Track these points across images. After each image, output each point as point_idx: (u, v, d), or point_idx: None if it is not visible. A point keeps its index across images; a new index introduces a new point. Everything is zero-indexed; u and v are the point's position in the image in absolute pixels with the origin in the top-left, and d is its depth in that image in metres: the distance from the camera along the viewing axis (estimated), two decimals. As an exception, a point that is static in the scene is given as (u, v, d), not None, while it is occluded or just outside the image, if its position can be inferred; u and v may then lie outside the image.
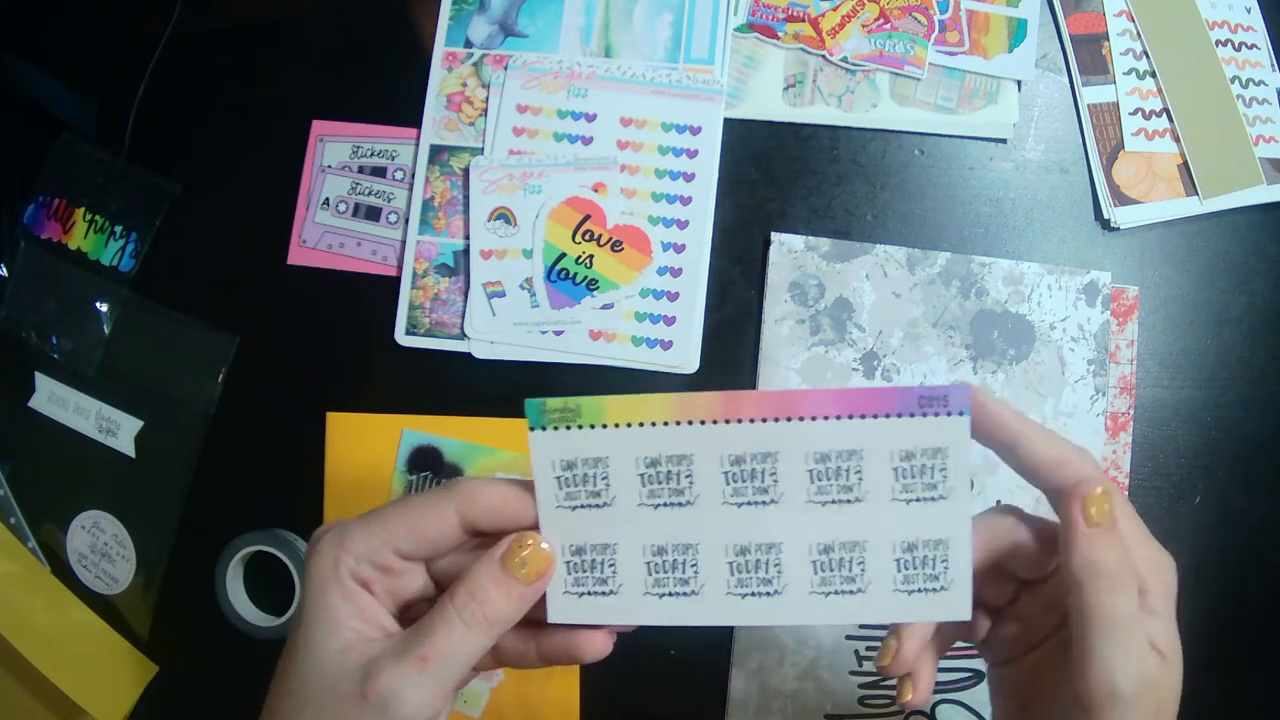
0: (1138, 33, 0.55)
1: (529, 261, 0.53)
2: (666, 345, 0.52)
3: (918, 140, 0.54)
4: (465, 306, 0.53)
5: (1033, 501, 0.51)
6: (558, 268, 0.53)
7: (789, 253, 0.53)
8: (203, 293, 0.55)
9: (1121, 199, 0.53)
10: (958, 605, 0.32)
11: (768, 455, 0.31)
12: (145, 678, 0.55)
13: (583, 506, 0.32)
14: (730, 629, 0.51)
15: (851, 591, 0.32)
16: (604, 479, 0.32)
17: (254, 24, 0.57)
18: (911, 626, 0.33)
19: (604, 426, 0.31)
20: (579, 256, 0.53)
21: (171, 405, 0.55)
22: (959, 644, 0.51)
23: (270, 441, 0.54)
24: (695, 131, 0.53)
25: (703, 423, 0.31)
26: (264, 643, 0.52)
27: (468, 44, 0.55)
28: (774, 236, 0.53)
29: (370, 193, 0.55)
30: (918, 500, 0.31)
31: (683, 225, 0.53)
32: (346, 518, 0.33)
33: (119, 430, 0.56)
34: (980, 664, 0.51)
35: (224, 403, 0.55)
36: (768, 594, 0.33)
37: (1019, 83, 0.54)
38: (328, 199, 0.55)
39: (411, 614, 0.33)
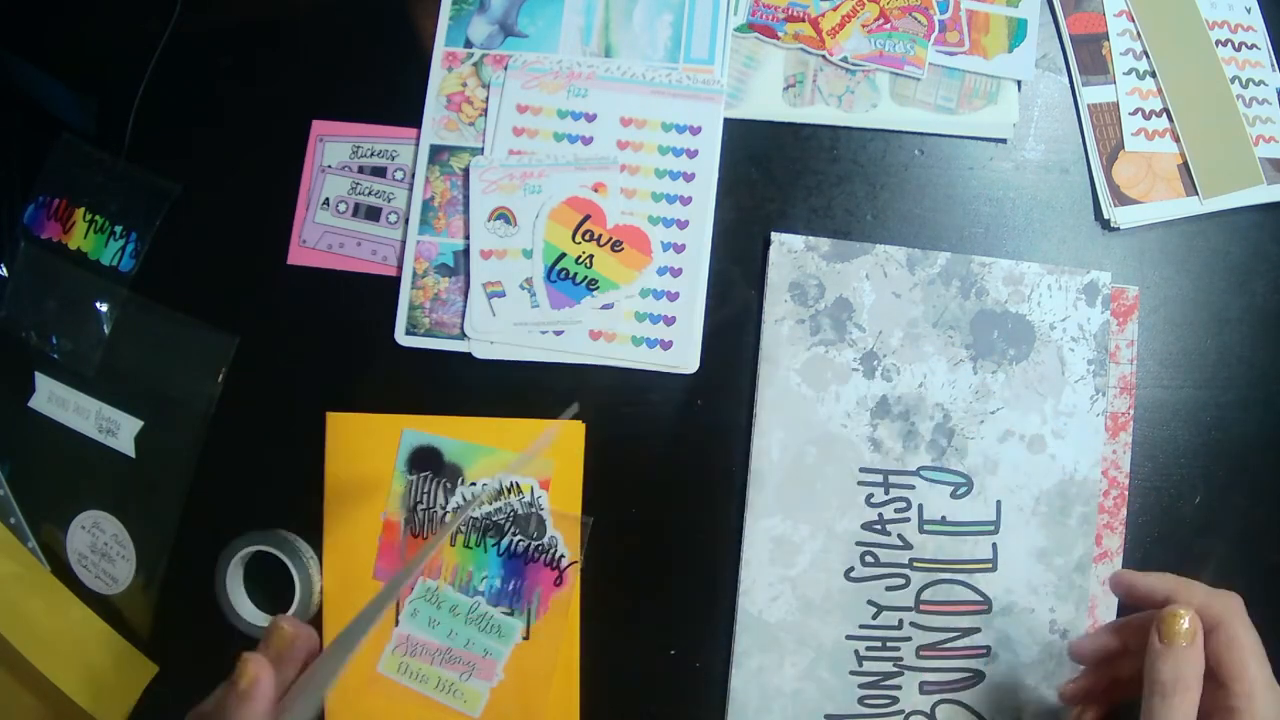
0: (1138, 33, 0.55)
1: (529, 261, 0.53)
2: (666, 345, 0.52)
3: (918, 140, 0.54)
4: (465, 306, 0.53)
5: (1032, 501, 0.51)
6: (558, 268, 0.53)
7: (789, 253, 0.52)
8: (203, 293, 0.55)
9: (1121, 199, 0.53)
10: None
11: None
12: (145, 678, 0.55)
13: None
14: (731, 633, 0.51)
15: None
16: None
17: (254, 24, 0.57)
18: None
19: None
20: (579, 256, 0.53)
21: (171, 405, 0.55)
22: (961, 644, 0.51)
23: (270, 441, 0.54)
24: (695, 131, 0.53)
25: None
26: (264, 643, 0.52)
27: (468, 44, 0.55)
28: (774, 236, 0.53)
29: (370, 193, 0.55)
30: None
31: (683, 225, 0.53)
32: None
33: (119, 430, 0.56)
34: (980, 664, 0.51)
35: (224, 403, 0.55)
36: None
37: (1019, 83, 0.54)
38: (328, 199, 0.55)
39: None
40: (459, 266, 0.54)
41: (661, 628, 0.53)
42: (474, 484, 0.53)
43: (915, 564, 0.51)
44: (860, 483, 0.52)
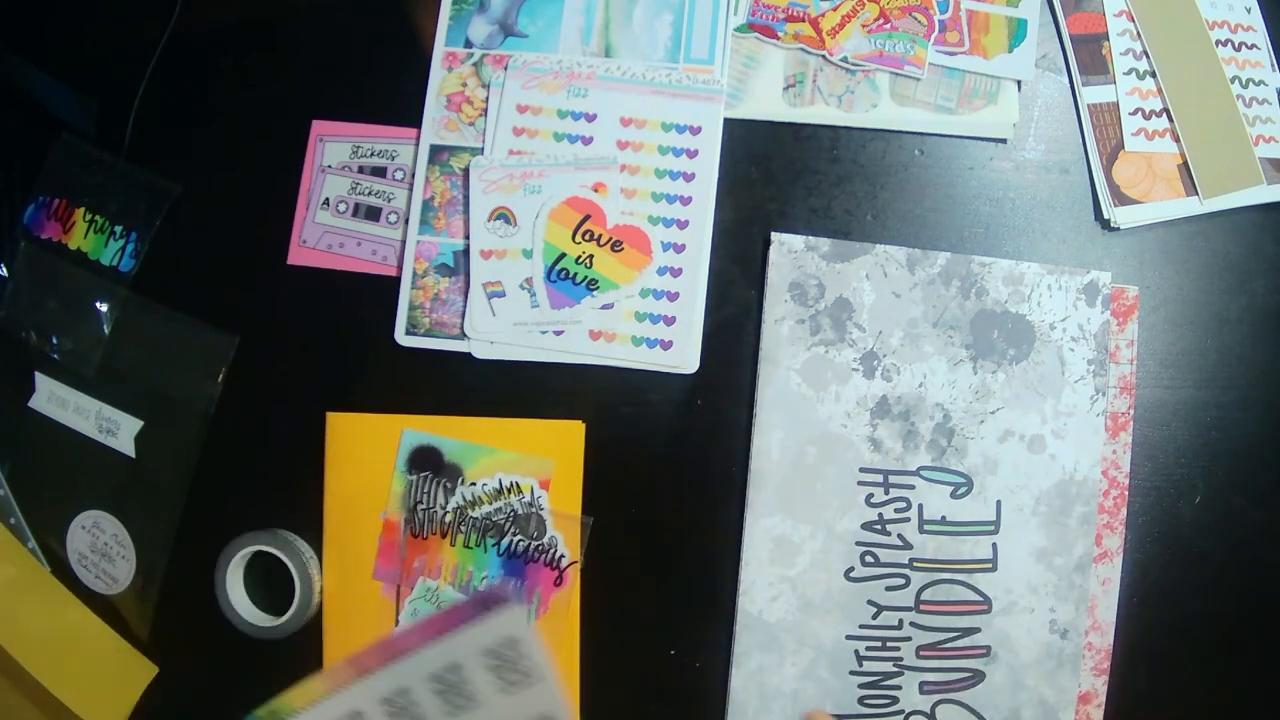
0: (1138, 33, 0.55)
1: (529, 261, 0.53)
2: (666, 345, 0.52)
3: (918, 140, 0.54)
4: (465, 306, 0.53)
5: (1032, 501, 0.51)
6: (558, 268, 0.53)
7: (789, 253, 0.52)
8: (203, 293, 0.55)
9: (1121, 199, 0.53)
10: None
11: (402, 690, 0.36)
12: (145, 678, 0.55)
13: None
14: (731, 633, 0.51)
15: None
16: None
17: (254, 24, 0.57)
18: None
19: (297, 712, 0.36)
20: (579, 256, 0.53)
21: (171, 405, 0.55)
22: (961, 644, 0.51)
23: (270, 441, 0.54)
24: (695, 131, 0.53)
25: (354, 681, 0.35)
26: (264, 643, 0.52)
27: (468, 44, 0.55)
28: (774, 236, 0.53)
29: (370, 193, 0.55)
30: (515, 686, 0.35)
31: (683, 225, 0.53)
32: None
33: (119, 430, 0.56)
34: (980, 664, 0.51)
35: (224, 403, 0.55)
36: None
37: (1019, 83, 0.54)
38: (328, 199, 0.55)
39: None
40: (459, 266, 0.53)
41: (661, 628, 0.53)
42: (474, 483, 0.53)
43: (915, 564, 0.51)
44: (860, 483, 0.52)
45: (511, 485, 0.53)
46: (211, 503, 0.55)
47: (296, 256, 0.55)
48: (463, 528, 0.53)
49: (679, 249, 0.53)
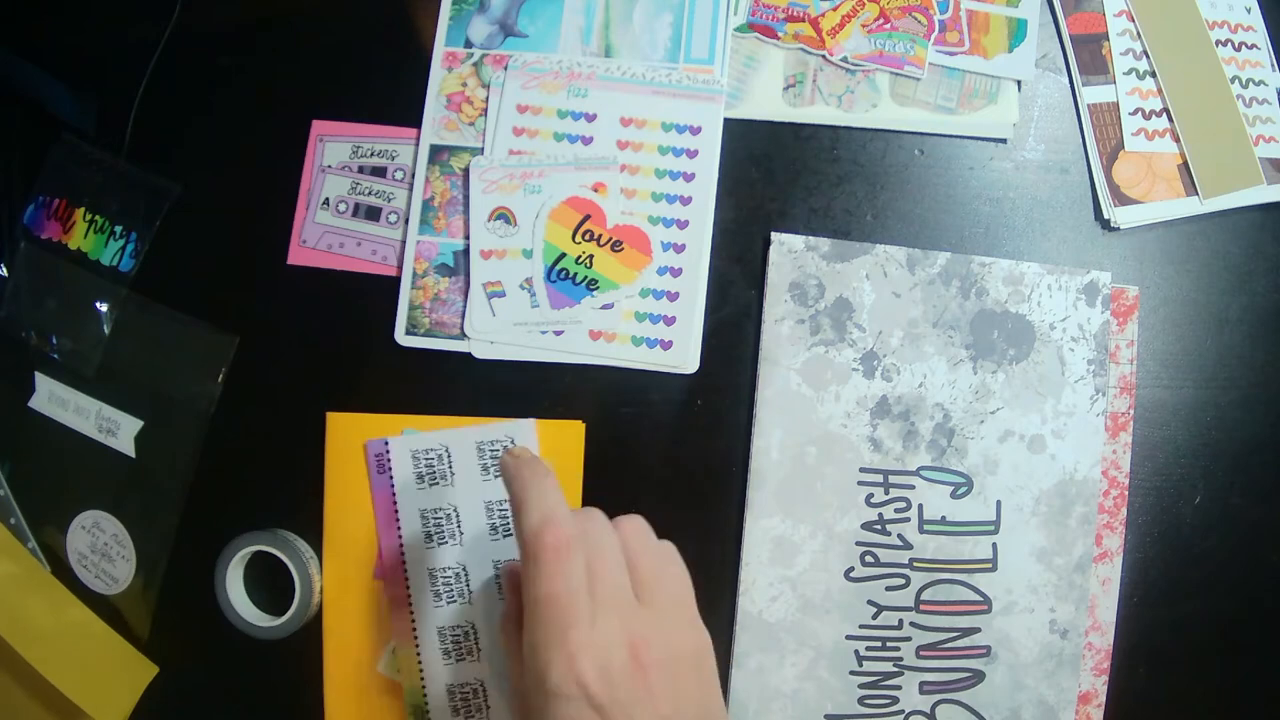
0: (1138, 33, 0.55)
1: (529, 261, 0.53)
2: (666, 345, 0.52)
3: (918, 140, 0.54)
4: (465, 306, 0.53)
5: (1032, 501, 0.51)
6: (558, 268, 0.53)
7: (789, 252, 0.52)
8: (203, 293, 0.55)
9: (1121, 199, 0.53)
10: None
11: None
12: (145, 678, 0.55)
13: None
14: (731, 633, 0.51)
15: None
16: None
17: (254, 24, 0.57)
18: None
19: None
20: (579, 256, 0.53)
21: (171, 405, 0.55)
22: (961, 644, 0.51)
23: (270, 441, 0.54)
24: (695, 131, 0.53)
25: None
26: (264, 643, 0.52)
27: (468, 44, 0.55)
28: (774, 236, 0.53)
29: (370, 193, 0.55)
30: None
31: (683, 225, 0.53)
32: None
33: (119, 430, 0.56)
34: (980, 664, 0.51)
35: (224, 403, 0.55)
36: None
37: (1019, 83, 0.54)
38: (328, 199, 0.55)
39: None
40: (459, 266, 0.54)
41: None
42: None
43: (915, 564, 0.51)
44: (860, 483, 0.52)
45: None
46: (211, 503, 0.55)
47: (296, 256, 0.55)
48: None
49: (679, 249, 0.53)
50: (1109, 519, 0.52)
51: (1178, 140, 0.54)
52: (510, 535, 0.52)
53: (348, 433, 0.53)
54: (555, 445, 0.52)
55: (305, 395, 0.54)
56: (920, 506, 0.52)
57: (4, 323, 0.58)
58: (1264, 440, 0.53)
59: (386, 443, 0.52)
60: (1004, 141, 0.54)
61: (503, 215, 0.53)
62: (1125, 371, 0.52)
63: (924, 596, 0.51)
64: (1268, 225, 0.54)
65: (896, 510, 0.51)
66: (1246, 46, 0.55)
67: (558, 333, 0.53)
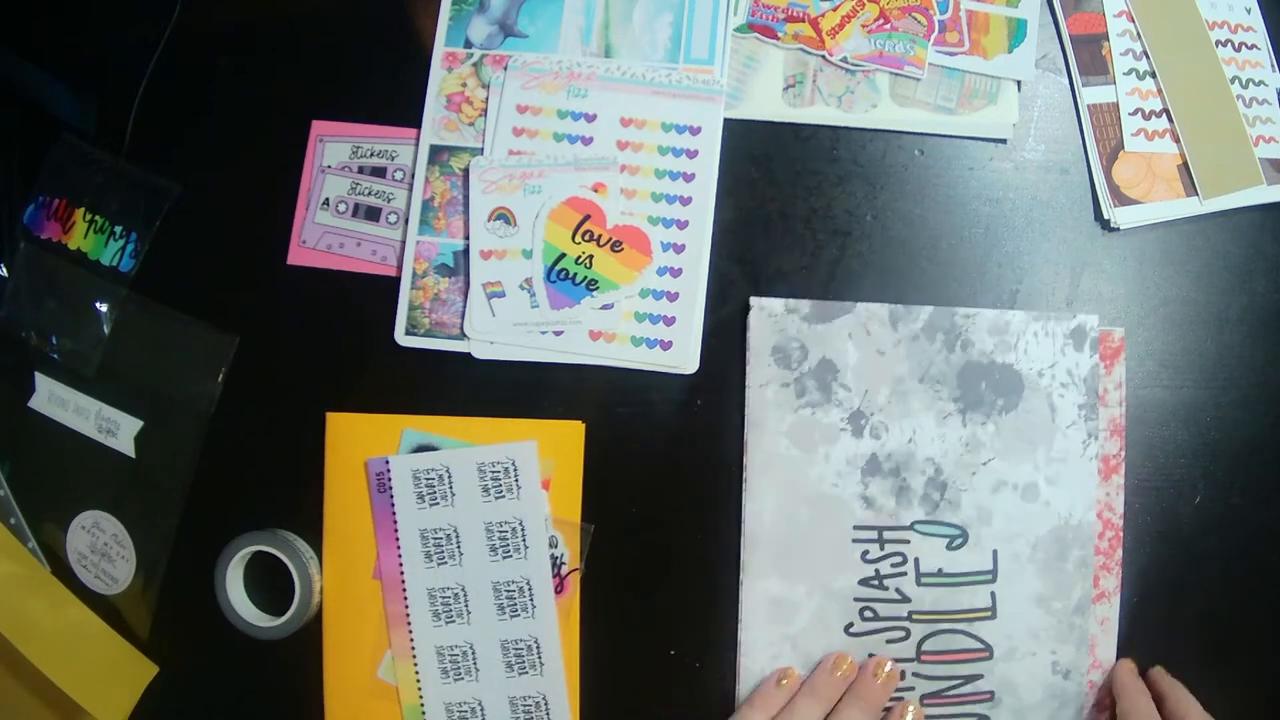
0: (1138, 33, 0.55)
1: (529, 261, 0.53)
2: (666, 345, 0.52)
3: (918, 140, 0.54)
4: (465, 306, 0.53)
5: (1028, 549, 0.51)
6: (557, 268, 0.53)
7: (769, 317, 0.52)
8: (203, 293, 0.55)
9: (1121, 199, 0.53)
10: None
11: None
12: (145, 678, 0.55)
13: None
14: (735, 635, 0.51)
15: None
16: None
17: (254, 24, 0.57)
18: None
19: None
20: (579, 256, 0.53)
21: (171, 405, 0.55)
22: (964, 690, 0.50)
23: (270, 441, 0.54)
24: (695, 131, 0.53)
25: None
26: (264, 643, 0.52)
27: (468, 44, 0.55)
28: (753, 301, 0.52)
29: (370, 193, 0.55)
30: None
31: (683, 225, 0.53)
32: None
33: (119, 430, 0.56)
34: (985, 709, 0.51)
35: (224, 403, 0.55)
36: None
37: (1019, 83, 0.54)
38: (328, 199, 0.55)
39: None
40: (459, 267, 0.54)
41: (661, 628, 0.53)
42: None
43: (915, 616, 0.51)
44: (855, 540, 0.51)
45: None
46: (211, 503, 0.55)
47: (296, 256, 0.55)
48: (463, 528, 0.53)
49: (679, 249, 0.53)
50: (1104, 560, 0.51)
51: (1178, 140, 0.54)
52: (509, 557, 0.52)
53: (348, 433, 0.53)
54: (555, 445, 0.52)
55: (305, 395, 0.54)
56: (916, 560, 0.51)
57: (4, 323, 0.58)
58: (1264, 440, 0.53)
59: (387, 461, 0.52)
60: (1004, 142, 0.54)
61: (502, 215, 0.53)
62: (1115, 414, 0.52)
63: (925, 647, 0.51)
64: (1268, 225, 0.54)
65: (893, 565, 0.51)
66: (1246, 46, 0.55)
67: (557, 333, 0.53)
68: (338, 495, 0.53)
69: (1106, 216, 0.53)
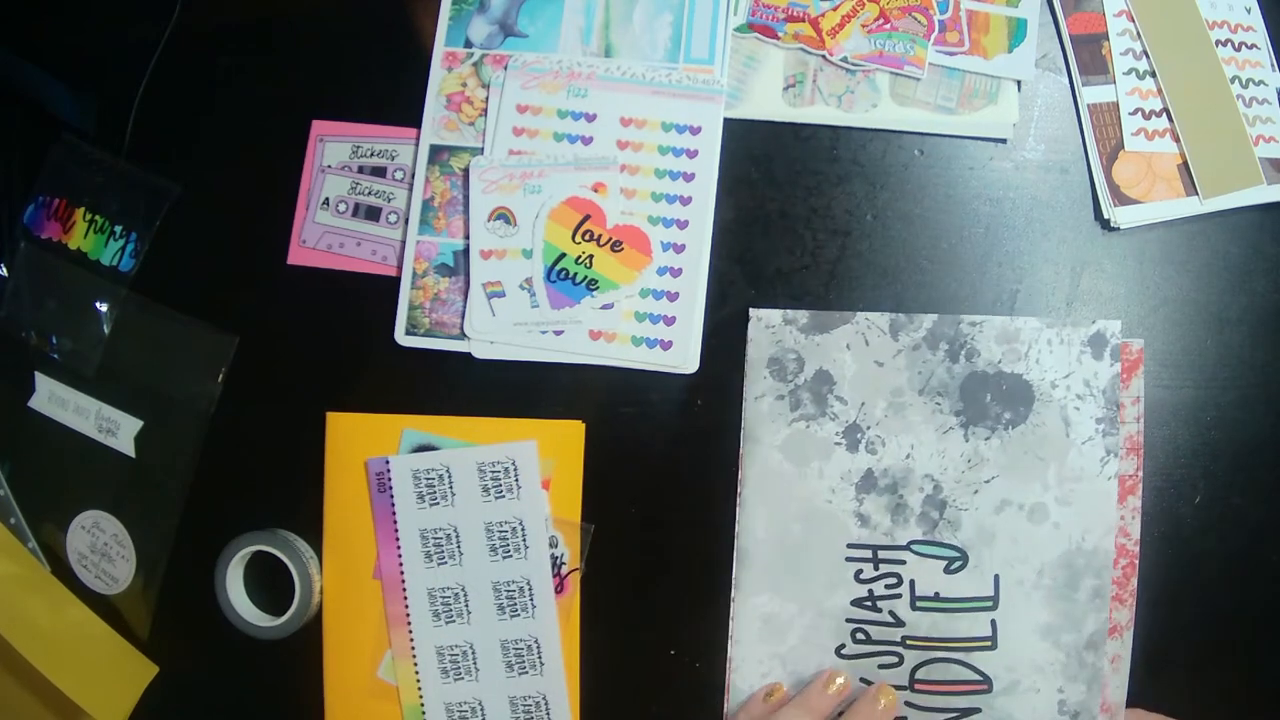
0: (1138, 33, 0.55)
1: (529, 261, 0.53)
2: (666, 345, 0.52)
3: (918, 140, 0.54)
4: (465, 306, 0.53)
5: (1034, 575, 0.50)
6: (557, 268, 0.53)
7: (766, 328, 0.51)
8: (203, 293, 0.55)
9: (1121, 199, 0.53)
10: None
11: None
12: (145, 678, 0.55)
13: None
14: (728, 637, 0.51)
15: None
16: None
17: (254, 24, 0.57)
18: None
19: None
20: (579, 256, 0.53)
21: (171, 405, 0.55)
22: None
23: (270, 441, 0.54)
24: (695, 131, 0.53)
25: None
26: (264, 643, 0.52)
27: (468, 44, 0.55)
28: (752, 313, 0.52)
29: (370, 193, 0.55)
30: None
31: (683, 225, 0.53)
32: None
33: (119, 430, 0.56)
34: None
35: (224, 403, 0.55)
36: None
37: (1019, 83, 0.54)
38: (328, 199, 0.55)
39: None
40: (459, 266, 0.54)
41: (661, 628, 0.53)
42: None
43: (908, 642, 0.49)
44: (848, 559, 0.50)
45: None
46: (211, 503, 0.55)
47: (296, 256, 0.55)
48: (463, 528, 0.53)
49: (679, 249, 0.53)
50: (1118, 590, 0.49)
51: (1178, 140, 0.54)
52: (509, 556, 0.52)
53: (348, 433, 0.53)
54: (555, 445, 0.52)
55: (305, 395, 0.54)
56: (912, 582, 0.49)
57: (4, 323, 0.58)
58: (1264, 440, 0.53)
59: (387, 461, 0.52)
60: (1004, 141, 0.54)
61: (503, 215, 0.53)
62: (1132, 430, 0.49)
63: (919, 675, 0.49)
64: (1268, 225, 0.54)
65: (887, 586, 0.50)
66: (1246, 46, 0.55)
67: (558, 333, 0.53)
68: (338, 495, 0.53)
69: (1106, 216, 0.53)
